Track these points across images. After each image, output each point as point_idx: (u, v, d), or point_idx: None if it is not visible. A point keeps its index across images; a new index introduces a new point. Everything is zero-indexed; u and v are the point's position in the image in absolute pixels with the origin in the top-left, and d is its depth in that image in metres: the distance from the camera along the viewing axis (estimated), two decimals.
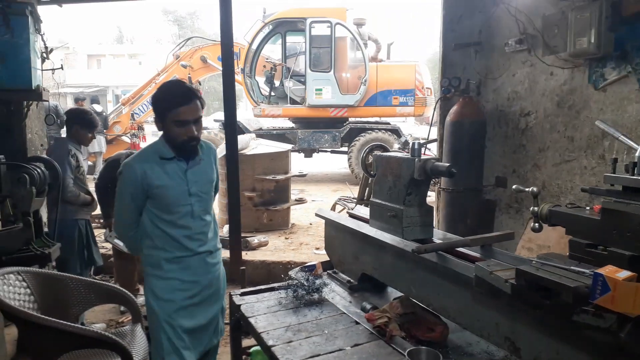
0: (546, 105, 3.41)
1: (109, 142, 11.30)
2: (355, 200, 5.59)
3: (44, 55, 4.31)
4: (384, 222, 2.75)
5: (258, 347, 3.05)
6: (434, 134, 4.17)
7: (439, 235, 2.76)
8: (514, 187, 2.23)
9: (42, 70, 4.18)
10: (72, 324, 2.25)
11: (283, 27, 11.51)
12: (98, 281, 2.88)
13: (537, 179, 3.47)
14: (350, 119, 11.49)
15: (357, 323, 2.55)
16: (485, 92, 3.77)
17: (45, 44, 4.27)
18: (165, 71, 11.48)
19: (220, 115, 14.99)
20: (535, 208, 2.04)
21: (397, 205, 2.63)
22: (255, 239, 5.59)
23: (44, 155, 3.55)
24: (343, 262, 3.26)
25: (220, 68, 10.80)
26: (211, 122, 15.49)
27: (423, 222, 2.64)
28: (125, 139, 11.29)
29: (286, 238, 6.22)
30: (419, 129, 22.81)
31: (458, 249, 2.39)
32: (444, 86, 3.80)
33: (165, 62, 11.70)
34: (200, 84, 11.79)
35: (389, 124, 11.67)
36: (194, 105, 2.21)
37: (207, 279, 2.46)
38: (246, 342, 3.16)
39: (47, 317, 2.14)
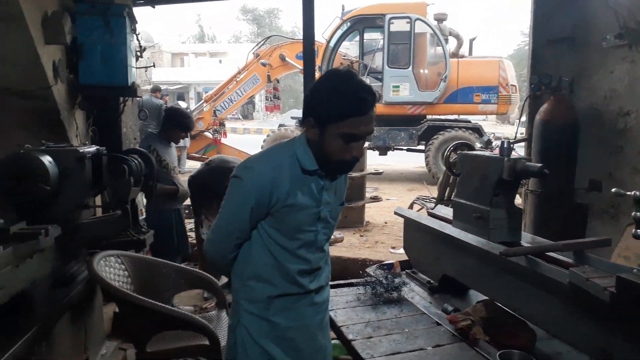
0: None
1: (192, 137, 11.85)
2: (433, 200, 5.49)
3: (138, 54, 4.59)
4: (468, 223, 2.68)
5: (335, 341, 3.10)
6: (521, 133, 4.00)
7: (527, 238, 2.66)
8: (613, 190, 2.09)
9: (136, 68, 4.46)
10: (166, 306, 2.40)
11: (361, 23, 11.49)
12: (188, 267, 3.05)
13: (636, 184, 3.23)
14: (428, 117, 11.27)
15: (438, 324, 2.52)
16: (579, 90, 3.56)
17: (139, 44, 4.55)
18: (245, 69, 11.83)
19: (297, 113, 15.26)
20: (638, 213, 1.90)
21: (483, 206, 2.56)
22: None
23: (140, 148, 3.80)
24: (422, 262, 3.22)
25: (298, 66, 11.14)
26: (287, 120, 15.80)
27: (510, 225, 2.55)
28: (208, 134, 11.77)
29: (361, 235, 6.23)
30: (501, 128, 21.91)
31: (548, 254, 2.29)
32: (533, 83, 3.63)
33: (246, 60, 12.06)
34: (278, 81, 12.06)
35: (469, 122, 11.31)
36: (372, 114, 1.61)
37: (315, 321, 1.86)
38: None
39: (144, 298, 2.30)
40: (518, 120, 4.10)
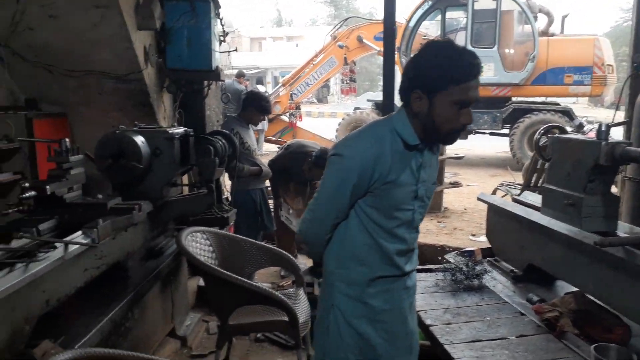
0: None
1: (269, 120, 12.11)
2: (519, 187, 5.23)
3: (221, 38, 4.71)
4: (558, 210, 2.52)
5: None
6: (620, 117, 3.68)
7: (624, 228, 2.46)
8: None
9: (219, 52, 4.59)
10: (249, 281, 2.48)
11: (443, 2, 11.06)
12: (268, 245, 3.13)
13: None
14: (513, 99, 10.71)
15: (522, 314, 2.41)
16: None
17: (223, 28, 4.67)
18: (322, 52, 11.83)
19: (372, 96, 15.11)
20: None
21: (577, 192, 2.39)
22: None
23: (224, 130, 3.94)
24: (506, 250, 3.08)
25: (376, 47, 10.96)
26: (363, 103, 15.67)
27: (606, 213, 2.37)
28: (284, 118, 11.96)
29: (438, 222, 6.09)
30: (593, 112, 20.35)
31: None
32: (636, 62, 3.32)
33: (323, 43, 12.05)
34: (354, 64, 11.96)
35: (558, 104, 10.62)
36: (479, 80, 1.60)
37: (406, 304, 1.83)
38: None
39: (229, 273, 2.40)
40: (617, 102, 3.78)
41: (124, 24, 3.25)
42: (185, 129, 3.09)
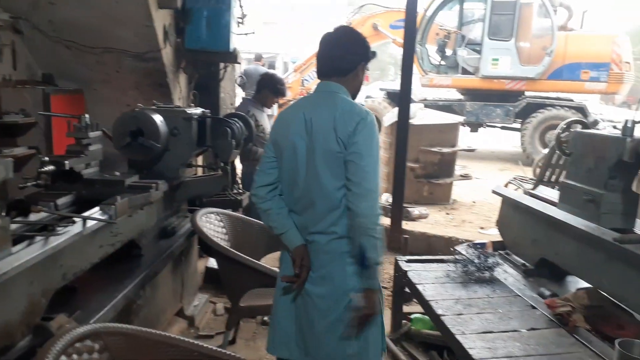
0: None
1: (280, 105, 12.05)
2: (531, 181, 5.19)
3: (239, 20, 4.67)
4: (577, 206, 2.51)
5: (419, 315, 3.07)
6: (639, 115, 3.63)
7: None
8: None
9: (237, 35, 4.56)
10: (263, 264, 2.49)
11: None
12: None
13: None
14: (526, 93, 10.60)
15: (533, 307, 2.42)
16: None
17: (242, 11, 4.63)
18: None
19: (383, 85, 15.00)
20: None
21: (597, 189, 2.38)
22: (416, 210, 5.54)
23: (240, 112, 3.93)
24: (519, 244, 3.08)
25: (392, 36, 10.84)
26: (375, 91, 15.56)
27: (626, 211, 2.36)
28: None
29: (447, 213, 6.05)
30: (605, 109, 20.12)
31: None
32: None
33: None
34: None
35: (572, 100, 10.49)
36: None
37: None
38: (405, 308, 3.20)
39: (243, 255, 2.41)
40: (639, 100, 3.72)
41: (146, 2, 3.24)
42: (203, 110, 3.09)
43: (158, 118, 2.62)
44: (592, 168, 2.42)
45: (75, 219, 1.91)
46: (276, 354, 2.03)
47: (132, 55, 3.52)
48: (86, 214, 2.00)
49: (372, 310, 1.81)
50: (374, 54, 2.03)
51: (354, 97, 1.97)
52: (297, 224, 1.92)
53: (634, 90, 13.44)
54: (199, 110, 3.01)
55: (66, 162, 2.20)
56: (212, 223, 2.74)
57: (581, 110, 9.89)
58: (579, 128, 3.00)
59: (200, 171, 3.54)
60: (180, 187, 2.90)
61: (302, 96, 11.82)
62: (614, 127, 8.19)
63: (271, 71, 9.12)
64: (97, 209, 2.08)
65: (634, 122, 2.23)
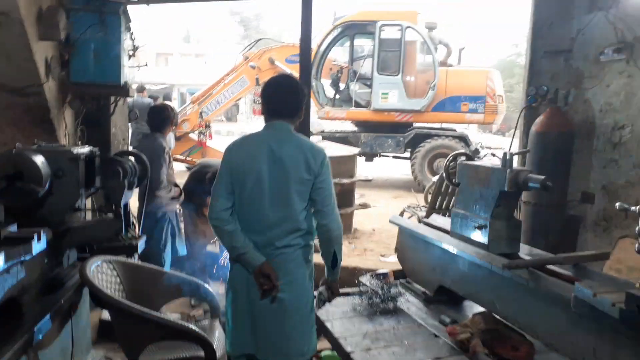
0: None
1: (177, 139, 11.70)
2: (424, 208, 5.48)
3: (131, 53, 4.49)
4: (467, 233, 2.67)
5: (328, 352, 3.06)
6: (516, 144, 4.01)
7: (525, 250, 2.66)
8: (617, 204, 2.10)
9: (128, 67, 4.37)
10: (163, 316, 2.33)
11: (352, 30, 11.48)
12: (180, 274, 2.97)
13: (631, 197, 3.27)
14: (415, 125, 11.31)
15: (436, 336, 2.50)
16: (575, 103, 3.59)
17: (133, 43, 4.45)
18: (234, 71, 11.74)
19: None
20: None
21: (484, 217, 2.55)
22: None
23: (132, 149, 3.73)
24: (418, 272, 3.20)
25: (288, 69, 11.06)
26: None
27: (510, 236, 2.55)
28: (193, 136, 11.63)
29: (350, 243, 6.19)
30: (483, 137, 22.15)
31: (549, 267, 2.29)
32: (530, 95, 3.65)
33: (235, 63, 11.96)
34: None
35: (455, 130, 11.38)
36: None
37: None
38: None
39: (140, 307, 2.23)
40: (514, 131, 4.12)
41: (24, 33, 2.99)
42: (91, 148, 2.87)
43: (39, 159, 2.39)
44: (478, 198, 2.60)
45: None
46: (237, 352, 2.35)
47: (9, 90, 3.21)
48: None
49: (338, 293, 2.46)
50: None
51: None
52: (259, 241, 2.25)
53: (507, 118, 14.92)
54: (86, 149, 2.80)
55: None
56: (103, 273, 2.52)
57: (464, 139, 10.75)
58: (464, 159, 3.23)
59: (90, 215, 3.28)
60: (67, 234, 2.65)
61: (201, 128, 11.62)
62: (493, 154, 9.01)
63: (160, 102, 8.81)
64: None
65: (512, 155, 2.44)
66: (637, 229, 1.96)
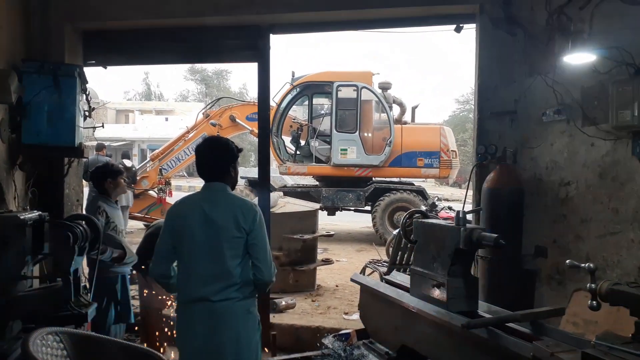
0: (587, 175, 3.37)
1: (136, 196, 11.46)
2: (385, 264, 5.50)
3: (86, 113, 4.45)
4: (426, 292, 2.69)
5: None
6: (471, 199, 4.13)
7: (483, 307, 2.68)
8: (567, 262, 2.17)
9: (84, 128, 4.31)
10: None
11: (310, 89, 11.83)
12: (134, 344, 2.83)
13: (581, 251, 3.38)
14: (374, 179, 11.54)
15: None
16: (523, 161, 3.76)
17: (89, 103, 4.42)
18: (195, 128, 11.77)
19: (244, 171, 15.22)
20: (593, 285, 1.96)
21: (441, 275, 2.58)
22: (283, 301, 5.47)
23: (84, 213, 3.61)
24: (380, 331, 3.16)
25: (249, 127, 11.21)
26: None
27: (468, 294, 2.58)
28: (152, 193, 11.44)
29: (313, 300, 6.08)
30: (439, 190, 22.76)
31: (507, 324, 2.32)
32: (480, 153, 3.80)
33: (195, 120, 12.02)
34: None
35: (412, 184, 11.67)
36: None
37: None
38: None
39: None
40: (467, 189, 4.25)
41: None
42: (40, 212, 2.77)
43: None
44: (435, 255, 2.63)
45: None
46: None
47: None
48: None
49: None
50: (240, 150, 2.62)
51: (233, 187, 2.59)
52: (197, 296, 2.42)
53: (462, 171, 15.42)
54: (35, 214, 2.70)
55: None
56: (49, 346, 2.36)
57: (421, 192, 11.01)
58: (420, 217, 3.29)
59: (37, 283, 3.11)
60: (11, 305, 2.50)
61: (160, 185, 11.44)
62: (450, 207, 9.24)
63: (102, 160, 8.63)
64: None
65: (465, 213, 2.51)
66: (587, 285, 2.01)
